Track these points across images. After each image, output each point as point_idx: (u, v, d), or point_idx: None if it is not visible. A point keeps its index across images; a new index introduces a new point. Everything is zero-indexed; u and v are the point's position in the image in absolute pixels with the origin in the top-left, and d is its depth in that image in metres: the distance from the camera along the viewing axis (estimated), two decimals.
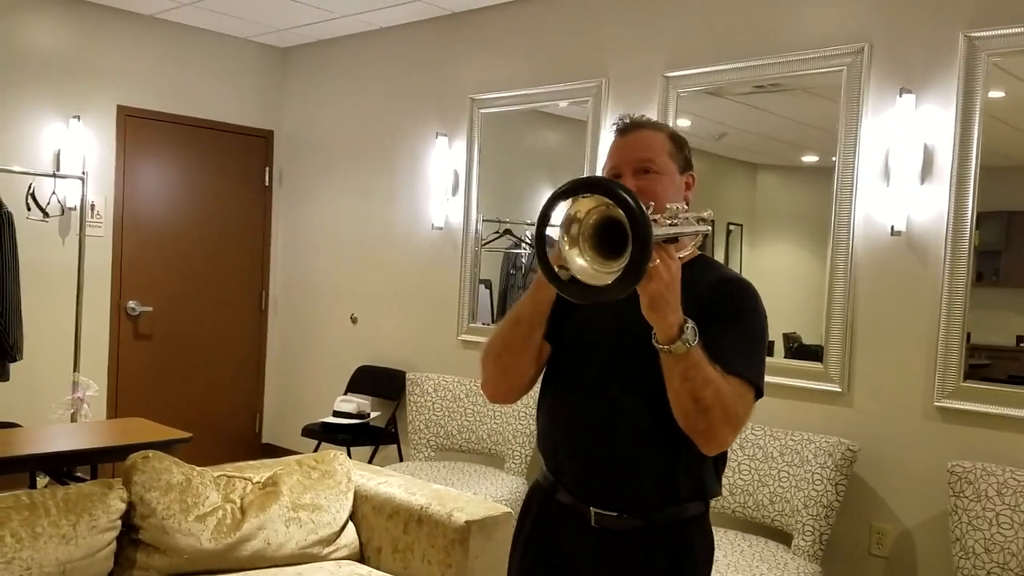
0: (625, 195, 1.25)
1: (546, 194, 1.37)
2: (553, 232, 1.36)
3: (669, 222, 1.42)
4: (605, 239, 1.30)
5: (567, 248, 1.31)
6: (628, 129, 1.66)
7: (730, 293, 1.57)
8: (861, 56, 3.28)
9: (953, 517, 2.85)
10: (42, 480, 3.87)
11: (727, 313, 1.53)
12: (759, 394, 1.52)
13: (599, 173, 1.71)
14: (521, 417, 4.07)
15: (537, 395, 1.73)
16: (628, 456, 1.55)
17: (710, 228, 1.56)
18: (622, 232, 1.25)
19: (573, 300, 1.36)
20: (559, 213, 1.34)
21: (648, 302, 1.35)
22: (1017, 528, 2.71)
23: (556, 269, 1.32)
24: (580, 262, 1.31)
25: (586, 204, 1.30)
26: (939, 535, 3.04)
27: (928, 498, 3.10)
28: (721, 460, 1.62)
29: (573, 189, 1.31)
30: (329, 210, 5.46)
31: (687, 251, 1.64)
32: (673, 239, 1.41)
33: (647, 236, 1.22)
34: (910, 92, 3.16)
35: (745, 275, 1.66)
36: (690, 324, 1.38)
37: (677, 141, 1.67)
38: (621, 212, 1.24)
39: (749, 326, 1.55)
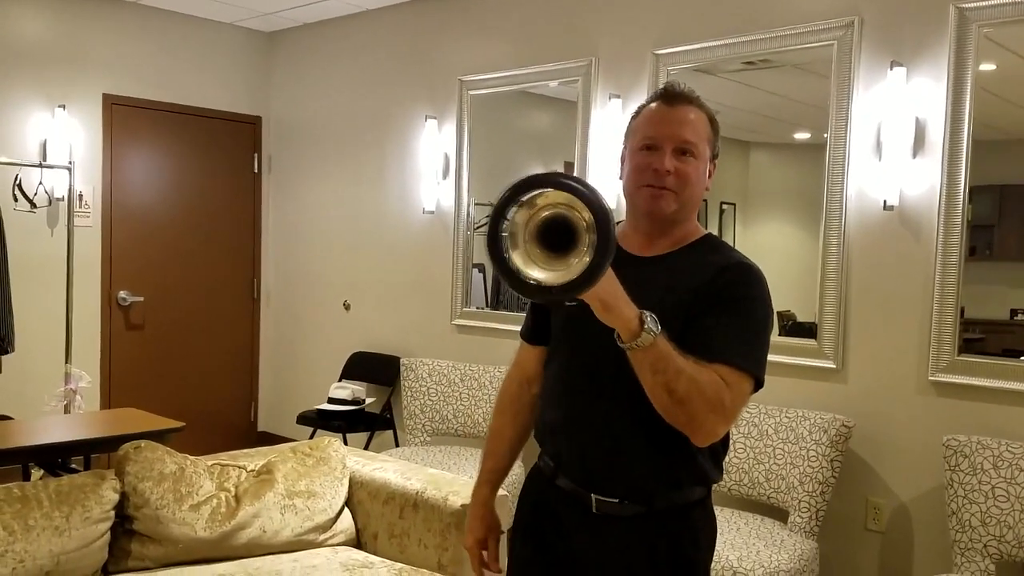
0: (580, 186, 1.23)
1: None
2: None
3: None
4: (549, 240, 1.27)
5: (516, 259, 1.28)
6: (676, 100, 1.57)
7: (732, 278, 1.51)
8: (851, 30, 3.25)
9: (949, 491, 2.85)
10: (36, 473, 3.86)
11: (726, 299, 1.48)
12: (759, 383, 1.47)
13: (622, 138, 1.65)
14: None
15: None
16: (626, 443, 1.53)
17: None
18: (565, 228, 1.24)
19: (542, 302, 1.34)
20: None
21: (599, 305, 1.33)
22: (1013, 500, 2.72)
23: (522, 277, 1.28)
24: (534, 271, 1.28)
25: (540, 203, 1.27)
26: (935, 509, 3.04)
27: (924, 472, 3.10)
28: (722, 446, 1.59)
29: (527, 185, 1.27)
30: (319, 196, 5.42)
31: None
32: None
33: (608, 219, 1.21)
34: (901, 65, 3.13)
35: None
36: (648, 314, 1.34)
37: (715, 127, 1.60)
38: (572, 210, 1.22)
39: (748, 312, 1.50)
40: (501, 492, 2.71)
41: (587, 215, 1.23)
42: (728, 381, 1.41)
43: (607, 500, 1.55)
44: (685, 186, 1.54)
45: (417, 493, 2.74)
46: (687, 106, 1.57)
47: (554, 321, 1.65)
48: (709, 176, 1.60)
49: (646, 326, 1.33)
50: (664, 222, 1.58)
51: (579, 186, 1.24)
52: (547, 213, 1.28)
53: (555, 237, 1.27)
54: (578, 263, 1.24)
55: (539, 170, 4.44)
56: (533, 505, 1.69)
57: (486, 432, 1.85)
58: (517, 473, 3.81)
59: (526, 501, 1.72)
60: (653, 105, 1.60)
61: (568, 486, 1.60)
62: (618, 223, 1.69)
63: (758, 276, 1.53)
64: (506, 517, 1.84)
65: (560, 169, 4.32)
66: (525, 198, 1.27)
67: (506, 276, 1.29)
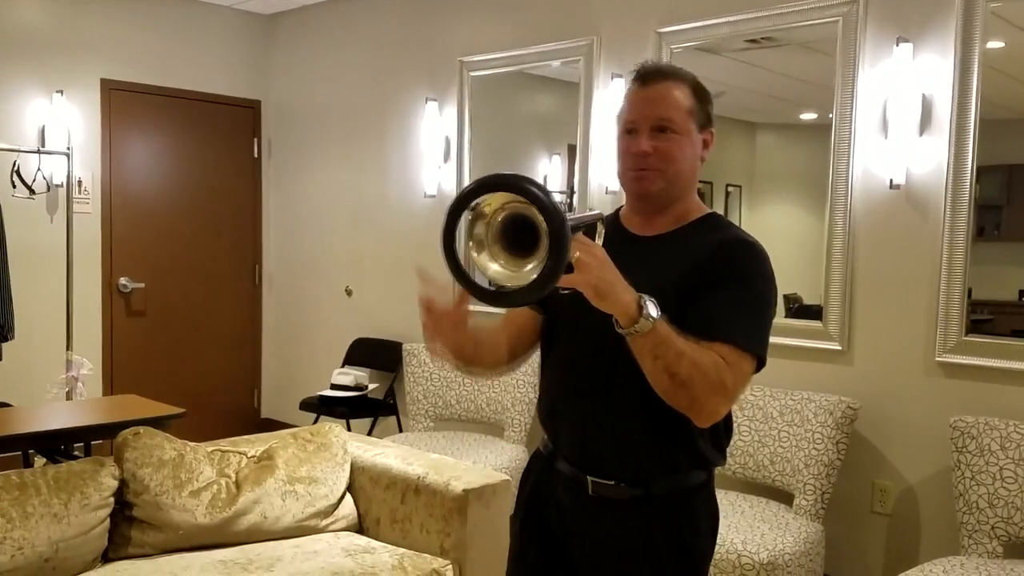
0: (535, 189, 1.19)
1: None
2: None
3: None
4: (514, 239, 1.24)
5: (475, 254, 1.25)
6: (648, 79, 1.53)
7: (732, 255, 1.48)
8: (856, 5, 3.19)
9: (956, 472, 2.82)
10: (40, 461, 3.85)
11: (726, 277, 1.45)
12: (761, 362, 1.44)
13: (614, 127, 1.62)
14: (520, 386, 4.03)
15: (539, 363, 1.70)
16: (623, 425, 1.51)
17: (601, 212, 1.52)
18: (531, 228, 1.20)
19: (494, 307, 1.30)
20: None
21: (593, 293, 1.29)
22: (1021, 482, 2.69)
23: (480, 283, 1.26)
24: (494, 267, 1.25)
25: (493, 204, 1.24)
26: (942, 491, 3.02)
27: (930, 454, 3.08)
28: (725, 430, 1.56)
29: (479, 188, 1.24)
30: (320, 180, 5.39)
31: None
32: (579, 228, 1.32)
33: (561, 225, 1.16)
34: (907, 41, 3.08)
35: None
36: (648, 298, 1.31)
37: (700, 94, 1.54)
38: (531, 209, 1.18)
39: (749, 290, 1.46)
40: (504, 476, 2.70)
41: (543, 219, 1.19)
42: (729, 361, 1.39)
43: (603, 482, 1.53)
44: (669, 163, 1.51)
45: (419, 478, 2.72)
46: (662, 82, 1.52)
47: (554, 302, 1.61)
48: (705, 146, 1.56)
49: (644, 312, 1.30)
50: (657, 201, 1.55)
51: (536, 191, 1.19)
52: (507, 212, 1.25)
53: (518, 235, 1.24)
54: (533, 268, 1.21)
55: (540, 153, 4.42)
56: (533, 487, 1.68)
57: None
58: (520, 458, 3.80)
59: (526, 484, 1.70)
60: (630, 87, 1.57)
61: (566, 469, 1.59)
62: (622, 206, 1.68)
63: (759, 253, 1.50)
64: (509, 502, 1.81)
65: (563, 151, 4.28)
66: (478, 201, 1.25)
67: (462, 280, 1.27)
